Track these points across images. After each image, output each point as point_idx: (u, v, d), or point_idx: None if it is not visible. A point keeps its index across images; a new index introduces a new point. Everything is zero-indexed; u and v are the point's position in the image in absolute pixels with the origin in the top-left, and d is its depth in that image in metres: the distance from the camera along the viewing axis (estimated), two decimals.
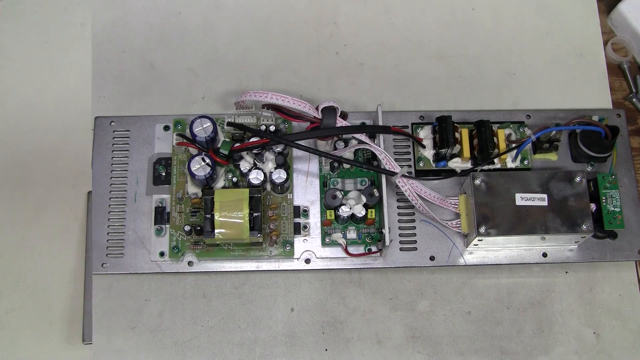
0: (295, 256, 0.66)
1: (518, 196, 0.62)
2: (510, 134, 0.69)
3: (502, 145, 0.67)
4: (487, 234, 0.61)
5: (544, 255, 0.66)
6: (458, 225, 0.65)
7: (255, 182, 0.65)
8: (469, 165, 0.67)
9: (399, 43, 0.77)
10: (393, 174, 0.64)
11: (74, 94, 0.77)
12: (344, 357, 0.65)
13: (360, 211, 0.65)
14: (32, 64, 0.79)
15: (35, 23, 0.82)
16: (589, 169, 0.70)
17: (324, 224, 0.67)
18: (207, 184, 0.66)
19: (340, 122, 0.65)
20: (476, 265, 0.66)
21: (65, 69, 0.79)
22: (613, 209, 0.66)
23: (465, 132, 0.67)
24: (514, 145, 0.67)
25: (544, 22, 0.79)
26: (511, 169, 0.68)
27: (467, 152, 0.67)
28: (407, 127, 0.70)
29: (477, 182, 0.63)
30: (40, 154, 0.73)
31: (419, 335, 0.66)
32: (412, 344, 0.66)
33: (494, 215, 0.62)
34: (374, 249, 0.66)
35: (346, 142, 0.68)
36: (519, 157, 0.68)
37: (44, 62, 0.79)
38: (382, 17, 0.79)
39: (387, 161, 0.65)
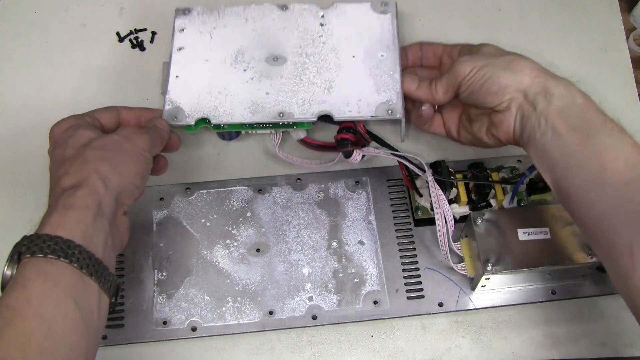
0: None
1: (520, 232, 0.62)
2: (503, 177, 0.69)
3: (499, 189, 0.66)
4: (495, 271, 0.61)
5: (553, 292, 0.65)
6: (464, 269, 0.65)
7: None
8: (467, 209, 0.67)
9: None
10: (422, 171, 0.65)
11: (74, 94, 0.77)
12: (390, 342, 0.65)
13: None
14: (32, 64, 0.79)
15: (35, 23, 0.82)
16: None
17: None
18: None
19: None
20: (486, 308, 0.65)
21: (65, 69, 0.79)
22: None
23: (461, 185, 0.66)
24: (510, 181, 0.67)
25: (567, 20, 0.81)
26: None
27: (464, 196, 0.66)
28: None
29: (479, 220, 0.63)
30: (41, 154, 0.73)
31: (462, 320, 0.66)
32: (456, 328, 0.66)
33: (499, 252, 0.61)
34: None
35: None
36: (515, 199, 0.67)
37: (44, 62, 0.79)
38: None
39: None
